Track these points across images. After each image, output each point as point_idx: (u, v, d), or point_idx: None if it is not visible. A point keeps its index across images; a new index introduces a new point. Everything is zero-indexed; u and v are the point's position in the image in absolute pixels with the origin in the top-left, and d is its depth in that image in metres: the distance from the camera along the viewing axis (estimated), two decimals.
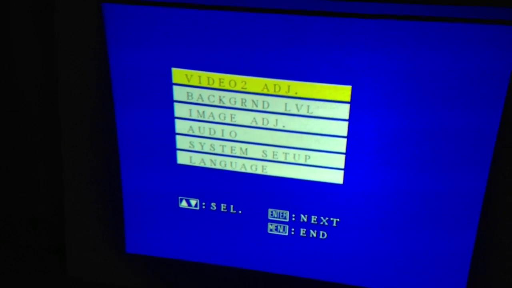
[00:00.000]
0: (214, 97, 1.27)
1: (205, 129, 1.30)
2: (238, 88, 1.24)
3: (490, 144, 1.19)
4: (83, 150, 1.42)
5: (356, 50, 1.16)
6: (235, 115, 1.27)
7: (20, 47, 1.42)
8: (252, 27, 1.19)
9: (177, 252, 1.45)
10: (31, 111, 1.49)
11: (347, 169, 1.27)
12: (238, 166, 1.32)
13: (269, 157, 1.30)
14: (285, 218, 1.36)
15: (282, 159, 1.29)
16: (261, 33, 1.19)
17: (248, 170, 1.32)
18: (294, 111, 1.24)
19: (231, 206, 1.37)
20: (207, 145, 1.32)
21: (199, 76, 1.25)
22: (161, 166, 1.36)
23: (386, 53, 1.15)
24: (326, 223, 1.34)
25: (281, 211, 1.35)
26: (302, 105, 1.23)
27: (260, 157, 1.30)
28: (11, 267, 1.62)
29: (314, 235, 1.36)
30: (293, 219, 1.35)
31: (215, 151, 1.32)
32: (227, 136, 1.30)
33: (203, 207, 1.39)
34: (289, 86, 1.22)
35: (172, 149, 1.34)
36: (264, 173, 1.31)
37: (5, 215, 1.64)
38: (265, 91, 1.23)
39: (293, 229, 1.37)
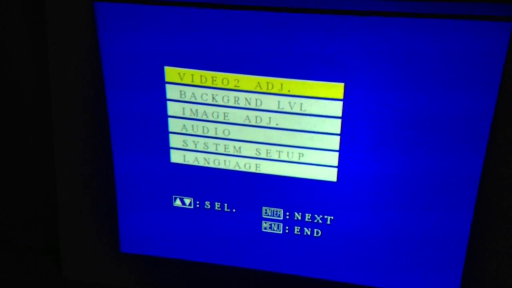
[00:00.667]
0: (207, 95, 1.26)
1: (199, 127, 1.30)
2: (231, 86, 1.24)
3: (484, 137, 1.19)
4: (76, 150, 1.41)
5: (349, 47, 1.16)
6: (228, 113, 1.27)
7: (11, 45, 1.42)
8: (244, 25, 1.18)
9: (171, 251, 1.45)
10: (24, 110, 1.48)
11: (341, 167, 1.27)
12: (231, 164, 1.32)
13: (263, 155, 1.30)
14: (279, 216, 1.36)
15: (276, 157, 1.29)
16: (253, 31, 1.19)
17: (242, 169, 1.32)
18: (287, 109, 1.24)
19: (225, 204, 1.37)
20: (200, 143, 1.31)
21: (192, 75, 1.25)
22: (154, 165, 1.36)
23: (378, 50, 1.15)
24: (320, 221, 1.34)
25: (275, 209, 1.35)
26: (295, 103, 1.23)
27: (254, 155, 1.30)
28: (5, 268, 1.62)
29: (308, 233, 1.36)
30: (287, 217, 1.35)
31: (209, 150, 1.32)
32: (220, 135, 1.30)
33: (197, 205, 1.39)
34: (281, 84, 1.22)
35: (166, 148, 1.34)
36: (258, 171, 1.31)
37: None
38: (258, 89, 1.23)
39: (287, 227, 1.36)
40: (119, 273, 1.52)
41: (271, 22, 1.17)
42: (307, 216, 1.34)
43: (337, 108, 1.22)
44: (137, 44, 1.25)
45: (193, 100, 1.28)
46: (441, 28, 1.11)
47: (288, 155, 1.28)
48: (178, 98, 1.28)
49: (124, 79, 1.29)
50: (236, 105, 1.26)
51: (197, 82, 1.26)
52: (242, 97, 1.25)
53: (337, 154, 1.26)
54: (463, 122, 1.18)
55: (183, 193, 1.38)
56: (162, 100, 1.29)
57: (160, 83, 1.27)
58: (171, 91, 1.28)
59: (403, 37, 1.13)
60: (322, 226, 1.34)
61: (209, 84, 1.25)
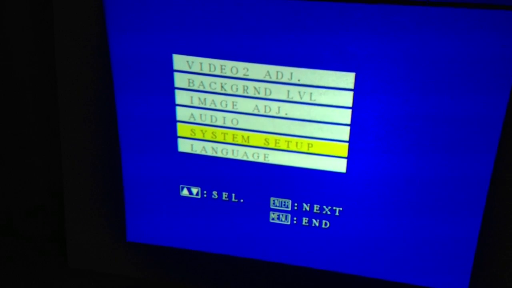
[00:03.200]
0: (216, 84, 1.25)
1: (207, 116, 1.29)
2: (240, 75, 1.23)
3: (496, 131, 1.17)
4: (82, 139, 1.40)
5: (359, 36, 1.15)
6: (236, 102, 1.26)
7: (17, 32, 1.40)
8: (254, 13, 1.17)
9: (178, 240, 1.44)
10: (30, 99, 1.47)
11: (350, 158, 1.26)
12: (239, 154, 1.31)
13: (271, 145, 1.28)
14: (287, 207, 1.35)
15: (285, 147, 1.28)
16: (263, 19, 1.17)
17: (250, 158, 1.31)
18: (297, 99, 1.23)
19: (233, 194, 1.36)
20: (208, 132, 1.30)
21: (201, 63, 1.24)
22: (162, 154, 1.35)
23: (389, 38, 1.13)
24: (328, 212, 1.33)
25: (283, 200, 1.34)
26: (304, 93, 1.22)
27: (262, 145, 1.29)
28: (11, 257, 1.61)
29: (317, 224, 1.35)
30: (295, 208, 1.34)
31: (217, 139, 1.30)
32: (228, 124, 1.28)
33: (205, 195, 1.38)
34: (291, 73, 1.20)
35: (173, 137, 1.32)
36: (266, 161, 1.30)
37: (4, 206, 1.62)
38: (267, 78, 1.22)
39: (295, 218, 1.35)
40: (125, 262, 1.52)
41: (282, 11, 1.16)
42: (316, 207, 1.33)
43: (347, 98, 1.20)
44: (145, 32, 1.23)
45: (201, 88, 1.26)
46: (452, 16, 1.10)
47: (297, 145, 1.27)
48: (186, 86, 1.27)
49: (132, 67, 1.28)
50: (245, 94, 1.25)
51: (206, 71, 1.24)
52: (251, 86, 1.24)
53: (347, 145, 1.25)
54: (475, 110, 1.16)
55: (190, 183, 1.37)
56: (170, 89, 1.27)
57: (168, 71, 1.26)
58: (179, 80, 1.26)
59: (414, 25, 1.12)
60: (331, 217, 1.33)
61: (217, 72, 1.24)
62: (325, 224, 1.34)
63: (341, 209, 1.32)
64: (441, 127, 1.19)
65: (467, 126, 1.18)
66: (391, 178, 1.26)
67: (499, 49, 1.11)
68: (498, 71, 1.12)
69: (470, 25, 1.10)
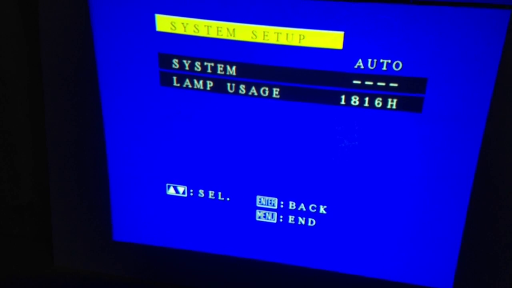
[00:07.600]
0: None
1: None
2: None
3: (481, 122, 1.18)
4: (68, 137, 1.40)
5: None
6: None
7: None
8: None
9: (164, 239, 1.44)
10: (14, 94, 1.46)
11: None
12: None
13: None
14: (273, 205, 1.35)
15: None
16: None
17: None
18: None
19: (219, 193, 1.36)
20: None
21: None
22: (148, 152, 1.35)
23: (374, 37, 1.14)
24: (314, 210, 1.33)
25: (270, 198, 1.34)
26: None
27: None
28: None
29: (303, 222, 1.35)
30: (282, 206, 1.34)
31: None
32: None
33: (191, 194, 1.37)
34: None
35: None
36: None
37: None
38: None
39: (281, 217, 1.35)
40: (111, 261, 1.51)
41: None
42: (302, 205, 1.33)
43: None
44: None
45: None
46: (437, 15, 1.10)
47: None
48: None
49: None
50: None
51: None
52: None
53: None
54: (459, 112, 1.17)
55: (176, 181, 1.37)
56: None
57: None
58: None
59: (399, 25, 1.12)
60: (316, 215, 1.33)
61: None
62: (311, 222, 1.34)
63: (326, 207, 1.32)
64: (426, 121, 1.20)
65: (452, 124, 1.19)
66: (377, 175, 1.26)
67: (484, 47, 1.11)
68: (482, 68, 1.13)
69: (454, 23, 1.11)
